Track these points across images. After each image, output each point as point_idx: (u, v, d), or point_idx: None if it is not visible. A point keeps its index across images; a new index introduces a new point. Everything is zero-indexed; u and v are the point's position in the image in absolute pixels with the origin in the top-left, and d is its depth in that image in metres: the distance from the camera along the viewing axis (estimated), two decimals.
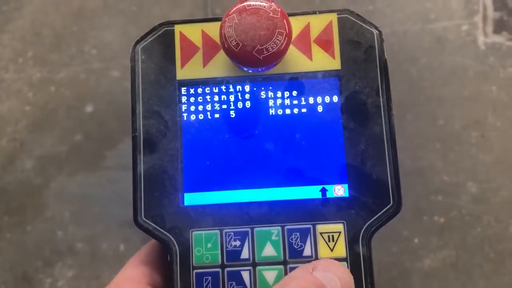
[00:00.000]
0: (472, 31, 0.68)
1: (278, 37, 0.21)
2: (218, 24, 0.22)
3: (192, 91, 0.24)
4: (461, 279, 0.59)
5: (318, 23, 0.23)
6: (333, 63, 0.23)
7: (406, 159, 0.62)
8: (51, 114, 0.62)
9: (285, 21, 0.21)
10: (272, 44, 0.21)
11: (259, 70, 0.22)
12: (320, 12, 0.23)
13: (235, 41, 0.21)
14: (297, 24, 0.23)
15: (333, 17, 0.23)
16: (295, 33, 0.23)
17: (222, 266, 0.23)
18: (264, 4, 0.21)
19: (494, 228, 0.61)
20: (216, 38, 0.23)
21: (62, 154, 0.61)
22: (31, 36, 0.65)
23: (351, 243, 0.22)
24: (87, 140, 0.62)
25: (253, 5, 0.21)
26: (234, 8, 0.21)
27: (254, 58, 0.21)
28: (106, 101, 0.62)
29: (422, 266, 0.60)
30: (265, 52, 0.21)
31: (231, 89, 0.23)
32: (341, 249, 0.22)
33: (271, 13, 0.21)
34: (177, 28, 0.24)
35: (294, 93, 0.23)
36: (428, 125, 0.64)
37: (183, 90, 0.24)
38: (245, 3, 0.21)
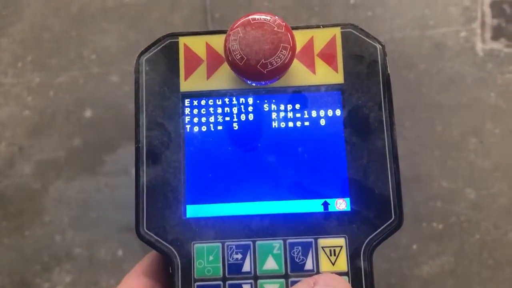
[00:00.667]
0: (470, 38, 0.68)
1: (282, 51, 0.21)
2: (222, 36, 0.22)
3: (195, 103, 0.24)
4: (459, 285, 0.59)
5: (321, 37, 0.23)
6: (336, 77, 0.23)
7: (405, 166, 0.62)
8: (50, 119, 0.62)
9: (289, 35, 0.21)
10: (276, 58, 0.21)
11: (263, 83, 0.22)
12: (324, 26, 0.23)
13: (239, 55, 0.21)
14: (300, 38, 0.23)
15: (337, 31, 0.23)
16: (298, 47, 0.23)
17: (224, 279, 0.22)
18: (269, 18, 0.21)
19: (493, 234, 0.61)
20: (220, 51, 0.23)
21: (61, 159, 0.61)
22: (31, 40, 0.65)
23: (353, 257, 0.22)
24: (85, 145, 0.62)
25: (258, 19, 0.21)
26: (239, 22, 0.21)
27: (258, 72, 0.21)
28: (105, 106, 0.62)
29: (420, 273, 0.60)
30: (269, 66, 0.21)
31: (234, 102, 0.23)
32: (342, 263, 0.22)
33: (276, 28, 0.21)
34: (182, 40, 0.24)
35: (297, 106, 0.23)
36: (426, 131, 0.64)
37: (187, 102, 0.24)
38: (249, 17, 0.21)
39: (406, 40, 0.68)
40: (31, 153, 0.62)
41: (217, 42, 0.24)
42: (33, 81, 0.64)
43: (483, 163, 0.64)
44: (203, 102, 0.24)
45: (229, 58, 0.21)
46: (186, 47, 0.24)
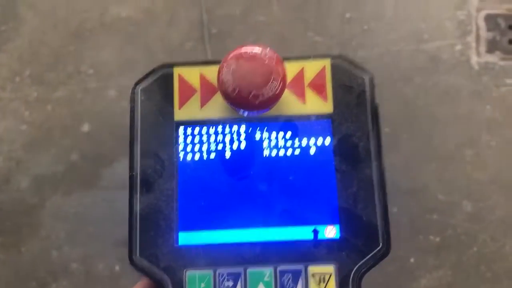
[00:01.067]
0: (465, 51, 0.69)
1: (273, 83, 0.21)
2: (216, 67, 0.22)
3: (189, 131, 0.24)
4: None
5: (312, 68, 0.24)
6: (326, 107, 0.23)
7: (402, 178, 0.62)
8: (47, 133, 0.63)
9: (280, 67, 0.21)
10: (268, 90, 0.21)
11: (255, 113, 0.23)
12: (314, 57, 0.24)
13: (232, 86, 0.21)
14: (291, 69, 0.23)
15: (327, 62, 0.24)
16: (289, 77, 0.23)
17: None
18: (260, 51, 0.21)
19: (490, 247, 0.61)
20: (214, 81, 0.24)
21: (58, 173, 0.61)
22: (29, 55, 0.65)
23: (342, 284, 0.22)
24: (83, 159, 0.62)
25: (250, 52, 0.21)
26: (232, 54, 0.22)
27: (250, 103, 0.21)
28: (102, 120, 0.63)
29: (418, 286, 0.60)
30: (261, 97, 0.21)
31: (227, 130, 0.24)
32: None
33: (267, 61, 0.21)
34: (176, 71, 0.24)
35: (288, 135, 0.24)
36: (423, 144, 0.64)
37: (181, 129, 0.24)
38: (242, 50, 0.21)
39: (402, 54, 0.69)
40: (28, 168, 0.62)
41: (211, 72, 0.24)
42: (31, 96, 0.64)
43: (479, 175, 0.64)
44: (196, 130, 0.24)
45: (222, 89, 0.22)
46: (181, 78, 0.24)
